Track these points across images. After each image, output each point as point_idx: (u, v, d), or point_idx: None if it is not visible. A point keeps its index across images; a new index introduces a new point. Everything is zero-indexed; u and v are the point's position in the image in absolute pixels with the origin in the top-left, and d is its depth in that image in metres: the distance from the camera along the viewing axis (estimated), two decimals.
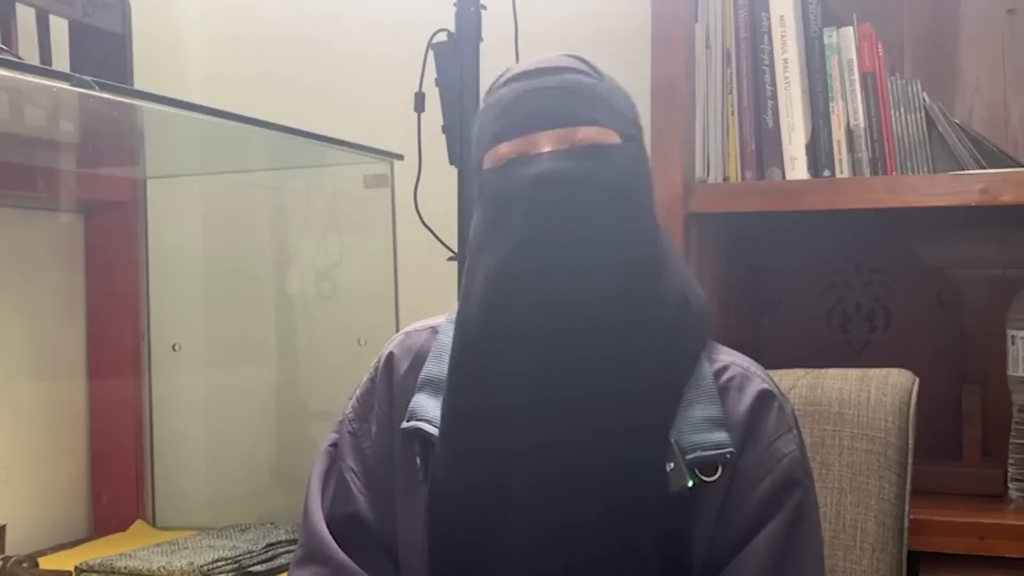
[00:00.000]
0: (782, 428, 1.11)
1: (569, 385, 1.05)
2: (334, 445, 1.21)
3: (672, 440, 1.06)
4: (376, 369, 1.22)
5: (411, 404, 1.14)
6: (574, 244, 1.06)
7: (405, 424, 1.13)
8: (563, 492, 1.04)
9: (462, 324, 1.12)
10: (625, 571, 1.04)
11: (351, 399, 1.23)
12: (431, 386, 1.14)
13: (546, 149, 1.08)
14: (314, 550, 1.15)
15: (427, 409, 1.13)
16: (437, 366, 1.15)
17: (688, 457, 1.05)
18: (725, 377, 1.12)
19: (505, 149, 1.10)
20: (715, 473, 1.07)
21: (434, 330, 1.20)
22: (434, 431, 1.11)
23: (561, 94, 1.09)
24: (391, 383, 1.19)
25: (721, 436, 1.07)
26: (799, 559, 1.08)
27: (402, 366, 1.19)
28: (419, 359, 1.18)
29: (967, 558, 1.56)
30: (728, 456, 1.07)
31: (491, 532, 1.06)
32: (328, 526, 1.16)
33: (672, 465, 1.04)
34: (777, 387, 1.15)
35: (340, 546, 1.14)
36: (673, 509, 1.05)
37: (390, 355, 1.21)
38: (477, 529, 1.07)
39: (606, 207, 1.07)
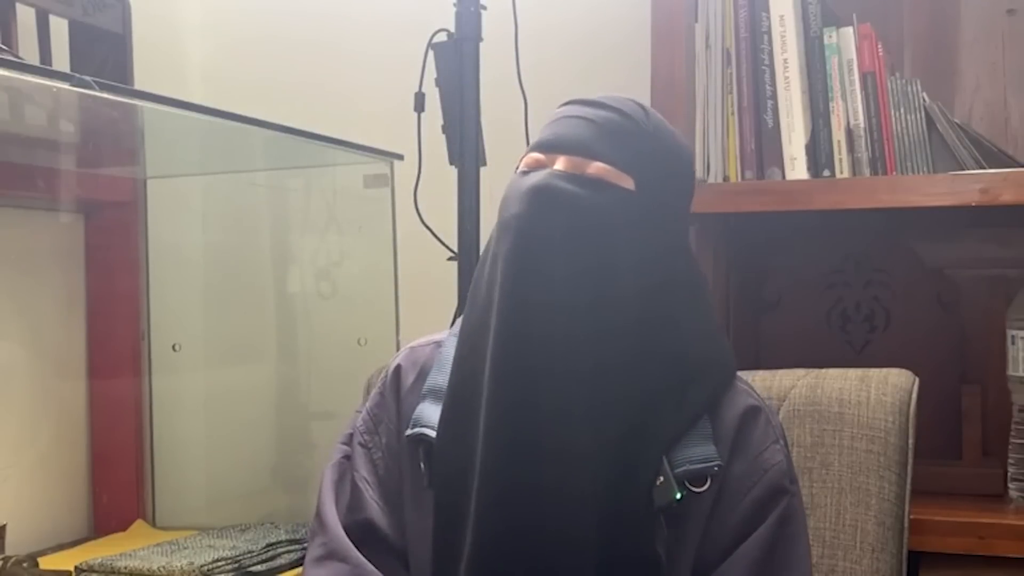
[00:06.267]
0: (769, 440, 1.17)
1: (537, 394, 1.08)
2: (346, 457, 1.24)
3: (663, 456, 1.11)
4: (384, 383, 1.26)
5: (415, 412, 1.18)
6: (552, 258, 1.10)
7: (409, 431, 1.17)
8: (548, 506, 1.08)
9: (465, 324, 1.17)
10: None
11: (361, 412, 1.27)
12: (434, 395, 1.18)
13: (558, 167, 1.14)
14: (333, 549, 1.18)
15: (430, 416, 1.16)
16: (440, 376, 1.19)
17: (677, 471, 1.11)
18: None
19: (530, 158, 1.17)
20: (704, 484, 1.12)
21: (438, 344, 1.25)
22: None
23: (591, 127, 1.15)
24: (399, 395, 1.23)
25: (709, 450, 1.13)
26: (786, 562, 1.13)
27: (408, 378, 1.24)
28: (424, 371, 1.22)
29: (967, 558, 1.56)
30: (716, 469, 1.12)
31: (479, 538, 1.09)
32: (344, 531, 1.19)
33: (662, 479, 1.10)
34: (764, 402, 1.20)
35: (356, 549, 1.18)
36: (654, 521, 1.10)
37: (397, 368, 1.26)
38: (463, 535, 1.10)
39: (593, 238, 1.11)
